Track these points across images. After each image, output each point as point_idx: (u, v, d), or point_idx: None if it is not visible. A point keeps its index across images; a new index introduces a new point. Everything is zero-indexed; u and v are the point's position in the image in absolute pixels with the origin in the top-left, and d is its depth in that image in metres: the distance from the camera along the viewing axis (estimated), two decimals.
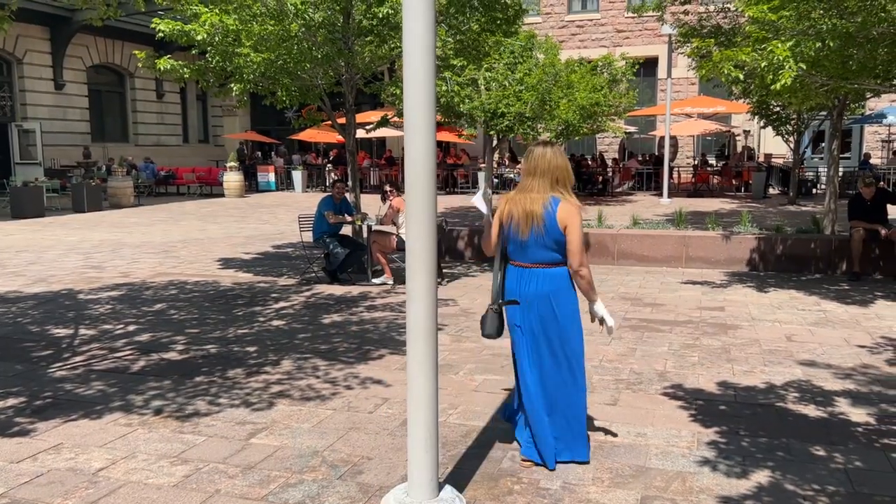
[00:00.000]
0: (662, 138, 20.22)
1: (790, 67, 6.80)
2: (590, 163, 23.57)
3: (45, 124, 23.13)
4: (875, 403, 4.57)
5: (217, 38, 8.07)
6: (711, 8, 12.34)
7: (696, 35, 10.92)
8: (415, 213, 2.98)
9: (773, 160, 23.18)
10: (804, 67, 6.91)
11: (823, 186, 13.50)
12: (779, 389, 4.85)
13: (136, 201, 20.98)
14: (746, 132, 24.86)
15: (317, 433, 4.15)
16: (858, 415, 4.37)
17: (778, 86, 6.90)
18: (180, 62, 8.77)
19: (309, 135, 24.17)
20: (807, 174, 21.84)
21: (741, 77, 7.41)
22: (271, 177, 25.75)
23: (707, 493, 3.40)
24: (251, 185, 25.46)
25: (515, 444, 3.98)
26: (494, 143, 14.92)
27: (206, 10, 7.92)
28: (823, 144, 20.79)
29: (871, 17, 6.98)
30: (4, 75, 23.17)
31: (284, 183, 25.85)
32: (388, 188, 9.33)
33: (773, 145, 22.96)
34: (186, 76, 8.71)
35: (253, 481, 3.55)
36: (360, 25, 8.44)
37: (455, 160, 24.89)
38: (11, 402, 4.70)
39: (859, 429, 4.16)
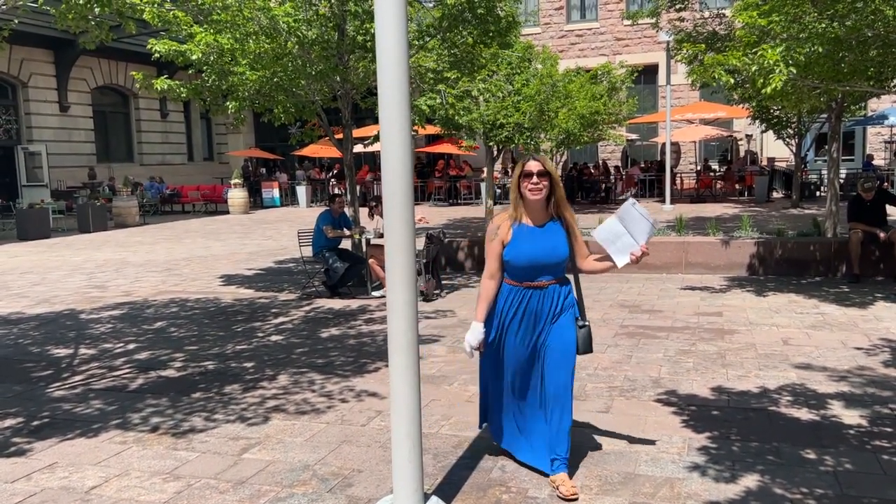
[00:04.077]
0: (664, 145, 20.24)
1: (780, 71, 6.82)
2: (592, 171, 23.60)
3: (51, 146, 23.35)
4: (868, 405, 4.56)
5: (212, 58, 8.16)
6: (707, 14, 12.38)
7: (691, 41, 10.95)
8: (393, 227, 3.02)
9: (775, 164, 23.15)
10: (794, 71, 6.93)
11: (826, 189, 13.49)
12: (772, 393, 4.84)
13: (142, 220, 21.13)
14: (748, 136, 24.84)
15: (309, 447, 4.18)
16: (851, 417, 4.37)
17: (769, 89, 6.92)
18: (177, 81, 8.86)
19: (312, 150, 24.31)
20: (810, 177, 21.80)
21: (731, 81, 7.43)
22: (275, 192, 25.90)
23: (695, 498, 3.41)
24: (256, 201, 25.61)
25: (505, 453, 3.99)
26: (495, 153, 14.98)
27: (201, 30, 8.01)
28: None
29: (862, 20, 7.00)
30: (10, 99, 23.42)
31: (289, 198, 25.99)
32: (373, 203, 9.40)
33: (776, 149, 22.93)
34: (183, 95, 8.80)
35: (243, 496, 3.58)
36: (354, 41, 8.52)
37: (457, 171, 24.96)
38: (9, 422, 4.75)
39: (851, 431, 4.15)
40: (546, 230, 3.57)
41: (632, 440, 4.12)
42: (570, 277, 3.68)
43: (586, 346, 3.64)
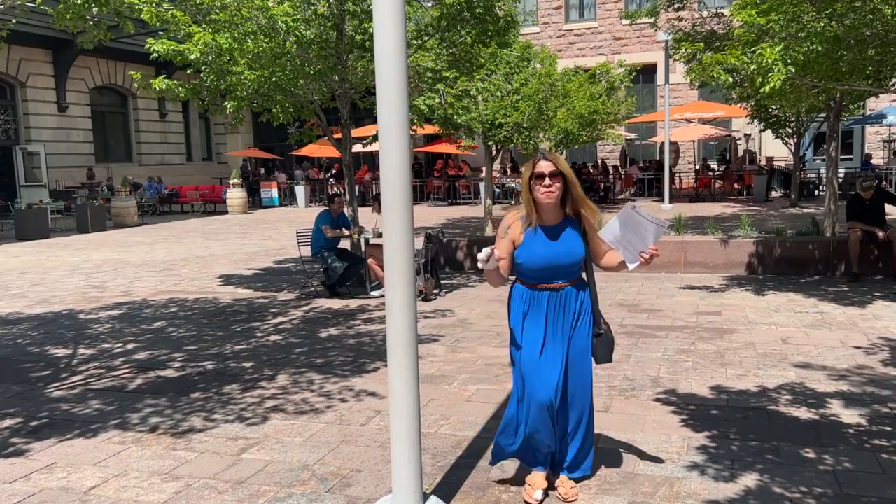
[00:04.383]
0: (663, 144, 20.24)
1: (779, 70, 6.82)
2: (591, 170, 23.60)
3: (50, 146, 23.33)
4: (868, 404, 4.56)
5: (211, 57, 8.15)
6: (705, 13, 12.38)
7: (690, 40, 10.95)
8: (392, 225, 3.01)
9: (774, 163, 23.16)
10: (793, 70, 6.93)
11: (825, 188, 13.51)
12: (771, 392, 4.84)
13: (140, 220, 21.11)
14: (747, 136, 24.86)
15: (308, 447, 4.17)
16: (850, 416, 4.37)
17: (767, 88, 6.92)
18: (175, 81, 8.86)
19: (311, 150, 24.31)
20: (809, 176, 21.82)
21: (730, 80, 7.43)
22: (274, 192, 25.90)
23: (694, 497, 3.41)
24: (255, 201, 25.60)
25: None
26: (494, 153, 14.97)
27: (199, 29, 8.00)
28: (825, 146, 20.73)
29: (860, 19, 7.00)
30: (8, 99, 23.39)
31: (288, 198, 25.98)
32: (374, 201, 9.42)
33: (775, 148, 22.94)
34: (182, 95, 8.80)
35: (242, 496, 3.57)
36: (352, 41, 8.51)
37: (456, 171, 24.96)
38: (8, 423, 4.74)
39: (850, 430, 4.15)
40: (560, 230, 3.31)
41: (631, 440, 4.11)
42: (586, 280, 3.46)
43: (605, 356, 3.42)
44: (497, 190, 22.10)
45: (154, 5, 7.98)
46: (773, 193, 21.73)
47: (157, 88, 8.69)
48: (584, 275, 3.45)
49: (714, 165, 24.28)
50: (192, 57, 8.12)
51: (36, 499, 3.61)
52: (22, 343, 6.96)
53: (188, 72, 8.83)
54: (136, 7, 7.66)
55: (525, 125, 13.29)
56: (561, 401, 3.38)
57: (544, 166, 3.21)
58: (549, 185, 3.19)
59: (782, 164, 23.09)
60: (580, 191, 3.30)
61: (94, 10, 6.18)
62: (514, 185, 23.10)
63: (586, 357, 3.41)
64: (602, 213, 3.60)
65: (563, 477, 3.48)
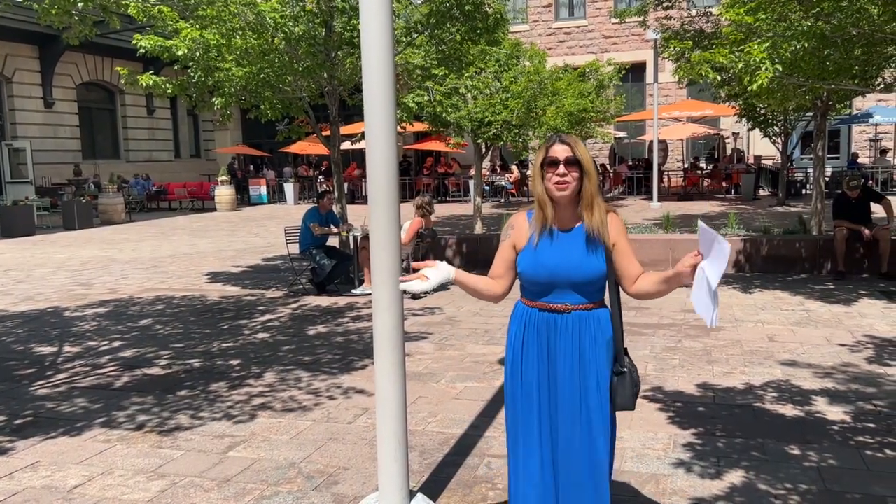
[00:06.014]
0: (652, 142, 20.30)
1: (767, 69, 6.86)
2: None
3: (36, 143, 23.15)
4: (852, 402, 4.59)
5: (198, 54, 8.11)
6: (694, 12, 12.43)
7: (678, 39, 10.98)
8: (378, 224, 3.01)
9: (762, 162, 23.28)
10: (780, 69, 6.96)
11: (812, 187, 13.58)
12: (758, 390, 4.87)
13: (128, 217, 20.99)
14: (735, 134, 24.96)
15: (295, 445, 4.16)
16: (835, 413, 4.39)
17: (755, 87, 6.96)
18: (163, 78, 8.80)
19: (300, 147, 24.23)
20: (796, 175, 21.94)
21: (718, 78, 7.47)
22: (263, 189, 25.81)
23: (680, 494, 3.42)
24: (243, 198, 25.50)
25: (493, 451, 3.99)
26: (483, 151, 14.98)
27: (187, 25, 7.96)
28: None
29: (847, 19, 7.05)
30: None
31: (276, 195, 25.90)
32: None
33: (763, 147, 23.06)
34: (169, 91, 8.75)
35: (228, 494, 3.56)
36: (341, 37, 8.49)
37: (446, 169, 24.95)
38: None
39: (835, 427, 4.18)
40: (575, 237, 2.57)
41: (617, 437, 4.12)
42: (608, 305, 2.62)
43: (626, 400, 2.58)
44: (487, 188, 22.11)
45: (141, 1, 7.92)
46: (761, 192, 21.84)
47: (145, 85, 8.63)
48: (606, 297, 2.62)
49: (702, 164, 24.38)
50: (180, 53, 8.07)
51: (19, 497, 3.58)
52: (6, 341, 6.91)
53: (175, 68, 8.77)
54: (123, 3, 7.61)
55: (514, 123, 13.29)
56: (557, 480, 2.60)
57: (559, 151, 2.53)
58: (564, 175, 2.51)
59: (770, 162, 23.21)
60: (594, 186, 2.57)
61: (79, 5, 6.14)
62: (503, 182, 23.12)
63: (596, 425, 2.55)
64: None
65: None
